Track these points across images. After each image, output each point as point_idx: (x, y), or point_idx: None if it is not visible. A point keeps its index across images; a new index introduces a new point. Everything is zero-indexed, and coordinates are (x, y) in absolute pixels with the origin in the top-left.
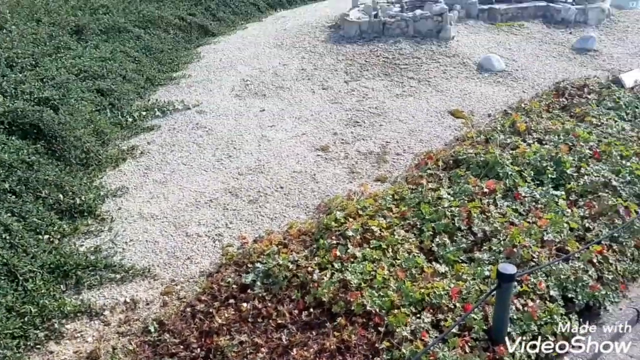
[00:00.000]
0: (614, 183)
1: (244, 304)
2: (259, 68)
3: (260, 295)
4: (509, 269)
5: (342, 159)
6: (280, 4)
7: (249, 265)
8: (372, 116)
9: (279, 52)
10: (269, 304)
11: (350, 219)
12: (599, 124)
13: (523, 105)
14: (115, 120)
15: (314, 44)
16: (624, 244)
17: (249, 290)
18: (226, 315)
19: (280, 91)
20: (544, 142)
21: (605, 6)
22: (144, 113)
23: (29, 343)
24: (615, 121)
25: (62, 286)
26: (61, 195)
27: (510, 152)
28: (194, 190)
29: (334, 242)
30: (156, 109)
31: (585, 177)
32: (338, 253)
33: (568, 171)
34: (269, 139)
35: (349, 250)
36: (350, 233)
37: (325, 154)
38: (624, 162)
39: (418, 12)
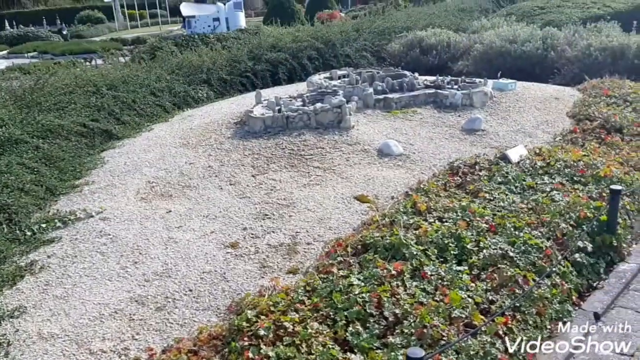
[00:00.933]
0: (511, 254)
1: None
2: (165, 169)
3: None
4: (417, 352)
5: (253, 254)
6: (187, 103)
7: None
8: (281, 208)
9: (185, 152)
10: None
11: (263, 317)
12: (492, 198)
13: (422, 186)
14: (12, 235)
15: (221, 140)
16: (526, 312)
17: None
18: None
19: (187, 190)
20: (444, 220)
21: (488, 90)
22: (44, 225)
23: None
24: (506, 194)
25: None
26: None
27: (414, 232)
28: (98, 303)
29: (246, 343)
30: (57, 220)
31: (484, 250)
32: (250, 355)
33: (468, 246)
34: (177, 240)
35: (261, 351)
36: (262, 332)
37: (235, 250)
38: (517, 233)
39: (318, 105)
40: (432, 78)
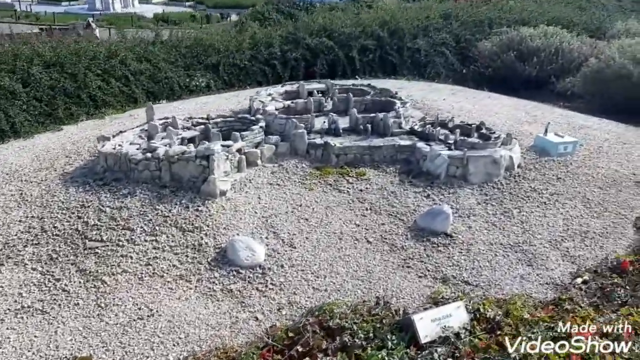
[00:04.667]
0: None
1: None
2: None
3: None
4: None
5: None
6: (172, 93)
7: None
8: None
9: None
10: None
11: None
12: None
13: None
14: None
15: (44, 179)
16: None
17: None
18: None
19: None
20: None
21: (505, 154)
22: None
23: None
24: None
25: None
26: None
27: None
28: None
29: None
30: None
31: None
32: None
33: None
34: None
35: None
36: None
37: None
38: None
39: (176, 149)
40: (432, 118)
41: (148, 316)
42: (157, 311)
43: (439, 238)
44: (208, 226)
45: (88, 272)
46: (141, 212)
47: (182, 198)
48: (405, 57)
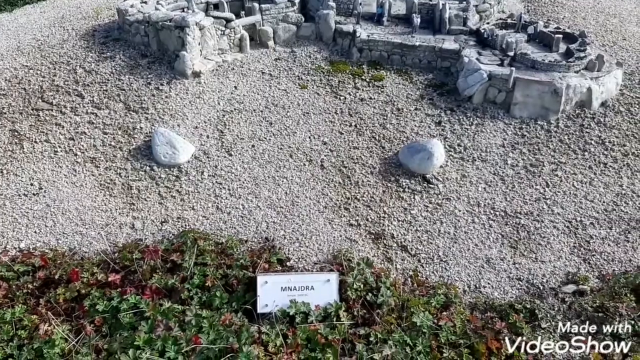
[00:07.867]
0: None
1: None
2: None
3: None
4: None
5: None
6: None
7: None
8: None
9: None
10: None
11: None
12: None
13: None
14: None
15: (64, 32)
16: None
17: None
18: None
19: None
20: None
21: (578, 84)
22: None
23: None
24: None
25: None
26: None
27: None
28: None
29: None
30: None
31: None
32: None
33: None
34: None
35: None
36: None
37: None
38: None
39: (159, 14)
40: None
41: (33, 194)
42: (45, 191)
43: (412, 181)
44: (156, 109)
45: (17, 133)
46: (104, 80)
47: (152, 72)
48: None
